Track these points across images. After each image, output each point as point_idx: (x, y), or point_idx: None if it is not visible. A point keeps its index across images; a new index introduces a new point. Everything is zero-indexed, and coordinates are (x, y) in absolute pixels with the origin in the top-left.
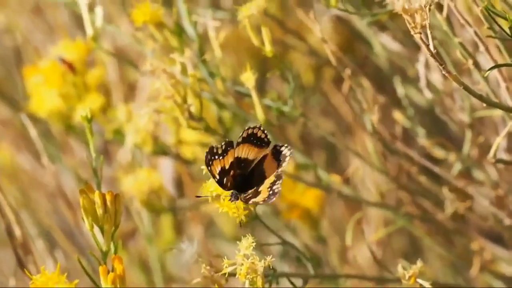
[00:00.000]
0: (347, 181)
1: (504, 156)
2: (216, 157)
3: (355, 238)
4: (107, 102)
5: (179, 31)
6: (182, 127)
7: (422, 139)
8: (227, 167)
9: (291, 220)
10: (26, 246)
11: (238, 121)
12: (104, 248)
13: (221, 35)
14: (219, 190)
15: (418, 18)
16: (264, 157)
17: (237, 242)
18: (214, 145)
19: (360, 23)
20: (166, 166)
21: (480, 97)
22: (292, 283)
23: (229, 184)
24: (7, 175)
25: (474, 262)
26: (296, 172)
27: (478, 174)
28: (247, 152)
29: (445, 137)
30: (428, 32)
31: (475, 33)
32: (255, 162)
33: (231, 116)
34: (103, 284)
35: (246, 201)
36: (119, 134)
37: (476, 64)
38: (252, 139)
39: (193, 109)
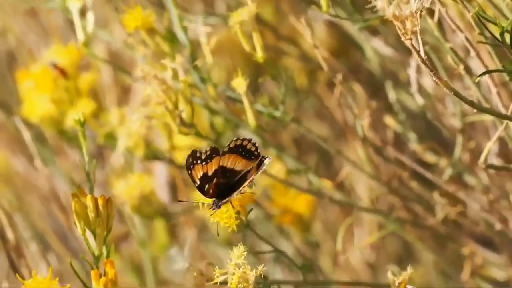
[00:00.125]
0: (339, 185)
1: (495, 161)
2: (199, 161)
3: (349, 241)
4: (99, 107)
5: (171, 37)
6: (174, 132)
7: (414, 144)
8: (210, 173)
9: (284, 225)
10: (19, 249)
11: (230, 127)
12: (96, 252)
13: (212, 41)
14: (204, 198)
15: (408, 24)
16: (251, 169)
17: (231, 246)
18: (197, 150)
19: (352, 28)
20: (160, 170)
21: (470, 103)
22: None
23: (211, 191)
24: (1, 178)
25: (465, 266)
26: (288, 177)
27: (469, 179)
28: (234, 163)
29: (436, 142)
30: (419, 38)
31: (466, 38)
32: (242, 173)
33: (223, 122)
34: None
35: (219, 207)
36: (111, 138)
37: (468, 70)
38: (241, 151)
39: (184, 115)
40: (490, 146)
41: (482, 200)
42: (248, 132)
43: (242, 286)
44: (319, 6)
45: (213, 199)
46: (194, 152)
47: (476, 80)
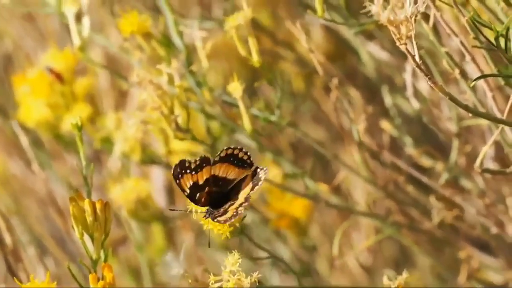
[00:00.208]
0: (336, 189)
1: (491, 165)
2: (188, 171)
3: (346, 245)
4: (96, 111)
5: (167, 42)
6: (171, 137)
7: (410, 148)
8: (200, 182)
9: (281, 229)
10: (17, 253)
11: (226, 131)
12: (94, 256)
13: (208, 45)
14: (196, 206)
15: (403, 29)
16: (246, 177)
17: (228, 250)
18: (186, 159)
19: (348, 33)
20: (157, 175)
21: (465, 107)
22: None
23: (203, 199)
24: None
25: (462, 270)
26: (285, 181)
27: (465, 183)
28: (226, 172)
29: (432, 146)
30: (414, 43)
31: (461, 43)
32: (236, 181)
33: (219, 126)
34: None
35: (213, 219)
36: (107, 143)
37: (463, 74)
38: (232, 160)
39: (180, 120)
40: (486, 150)
41: (478, 204)
42: (245, 137)
43: None
44: (315, 10)
45: (207, 207)
46: (182, 162)
47: (471, 84)
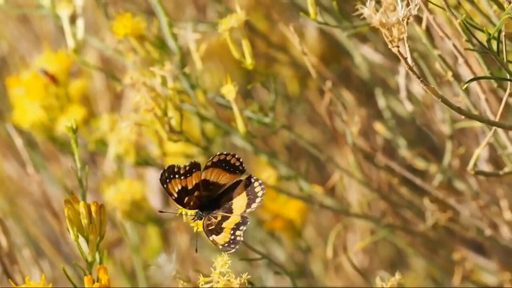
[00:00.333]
0: (330, 191)
1: (485, 167)
2: (177, 176)
3: (341, 246)
4: (90, 113)
5: (161, 44)
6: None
7: (404, 150)
8: (190, 187)
9: (275, 230)
10: (12, 256)
11: (220, 133)
12: (89, 259)
13: (202, 48)
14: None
15: (395, 32)
16: (238, 182)
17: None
18: (175, 165)
19: (342, 35)
20: (152, 176)
21: (458, 110)
22: None
23: (191, 203)
24: None
25: (456, 271)
26: (279, 183)
27: (459, 185)
28: (218, 176)
29: (426, 148)
30: (406, 45)
31: (454, 45)
32: (227, 185)
33: (213, 128)
34: None
35: (206, 232)
36: (102, 145)
37: (456, 76)
38: (224, 165)
39: (173, 122)
40: (479, 152)
41: (472, 206)
42: (239, 139)
43: None
44: (307, 13)
45: (196, 210)
46: (171, 168)
47: (464, 87)
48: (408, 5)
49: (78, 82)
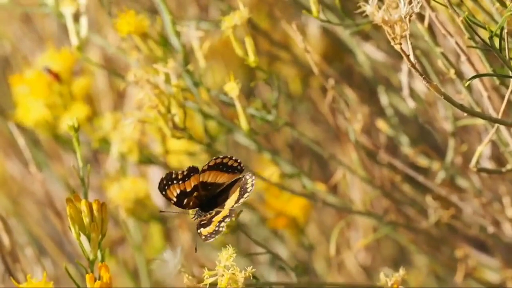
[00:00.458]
0: (333, 188)
1: (487, 164)
2: (175, 182)
3: (343, 244)
4: (93, 111)
5: (164, 42)
6: (168, 136)
7: (406, 147)
8: (188, 189)
9: (278, 228)
10: (15, 254)
11: (223, 131)
12: (91, 257)
13: (205, 45)
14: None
15: (398, 29)
16: (236, 180)
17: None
18: (173, 171)
19: (344, 33)
20: (155, 174)
21: (461, 107)
22: None
23: (191, 203)
24: None
25: (459, 269)
26: (282, 180)
27: (462, 182)
28: (216, 177)
29: (429, 145)
30: (408, 42)
31: (457, 43)
32: (226, 184)
33: (216, 126)
34: None
35: (197, 226)
36: (105, 143)
37: (458, 74)
38: (221, 167)
39: (177, 119)
40: (481, 150)
41: (474, 203)
42: (242, 136)
43: (232, 287)
44: (310, 11)
45: (196, 209)
46: (169, 175)
47: (467, 84)
48: (410, 2)
49: (81, 80)
